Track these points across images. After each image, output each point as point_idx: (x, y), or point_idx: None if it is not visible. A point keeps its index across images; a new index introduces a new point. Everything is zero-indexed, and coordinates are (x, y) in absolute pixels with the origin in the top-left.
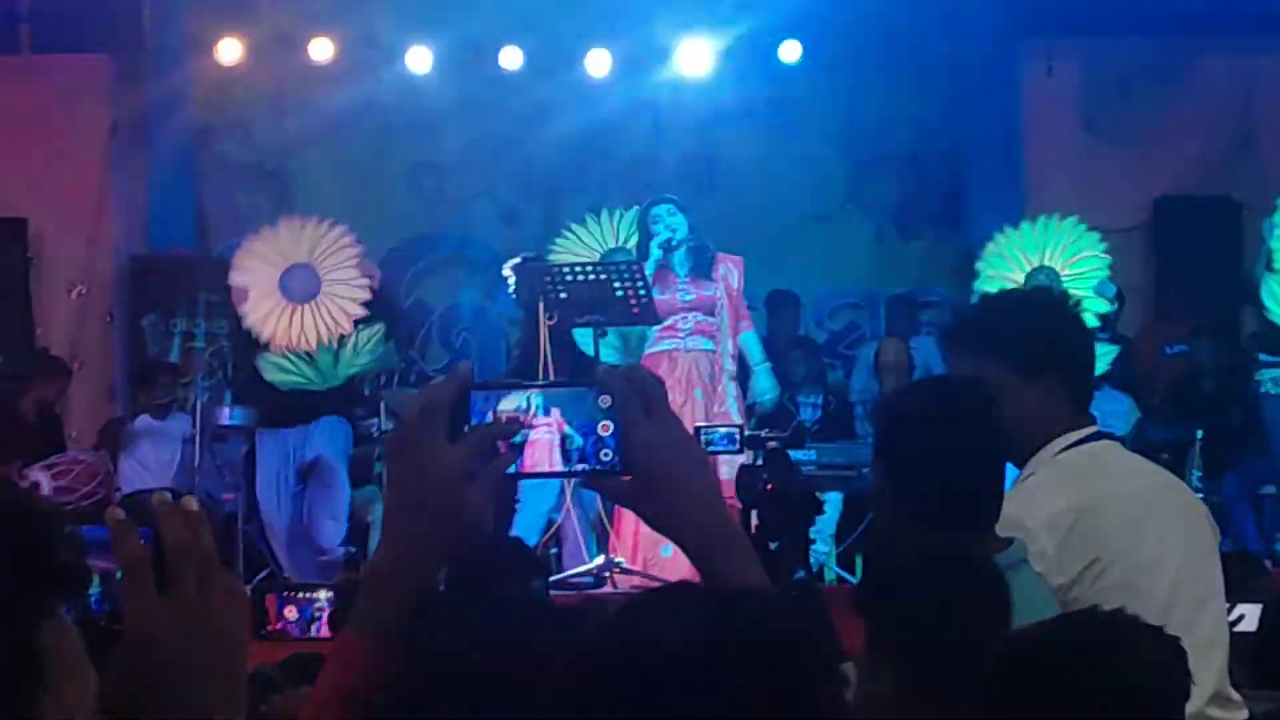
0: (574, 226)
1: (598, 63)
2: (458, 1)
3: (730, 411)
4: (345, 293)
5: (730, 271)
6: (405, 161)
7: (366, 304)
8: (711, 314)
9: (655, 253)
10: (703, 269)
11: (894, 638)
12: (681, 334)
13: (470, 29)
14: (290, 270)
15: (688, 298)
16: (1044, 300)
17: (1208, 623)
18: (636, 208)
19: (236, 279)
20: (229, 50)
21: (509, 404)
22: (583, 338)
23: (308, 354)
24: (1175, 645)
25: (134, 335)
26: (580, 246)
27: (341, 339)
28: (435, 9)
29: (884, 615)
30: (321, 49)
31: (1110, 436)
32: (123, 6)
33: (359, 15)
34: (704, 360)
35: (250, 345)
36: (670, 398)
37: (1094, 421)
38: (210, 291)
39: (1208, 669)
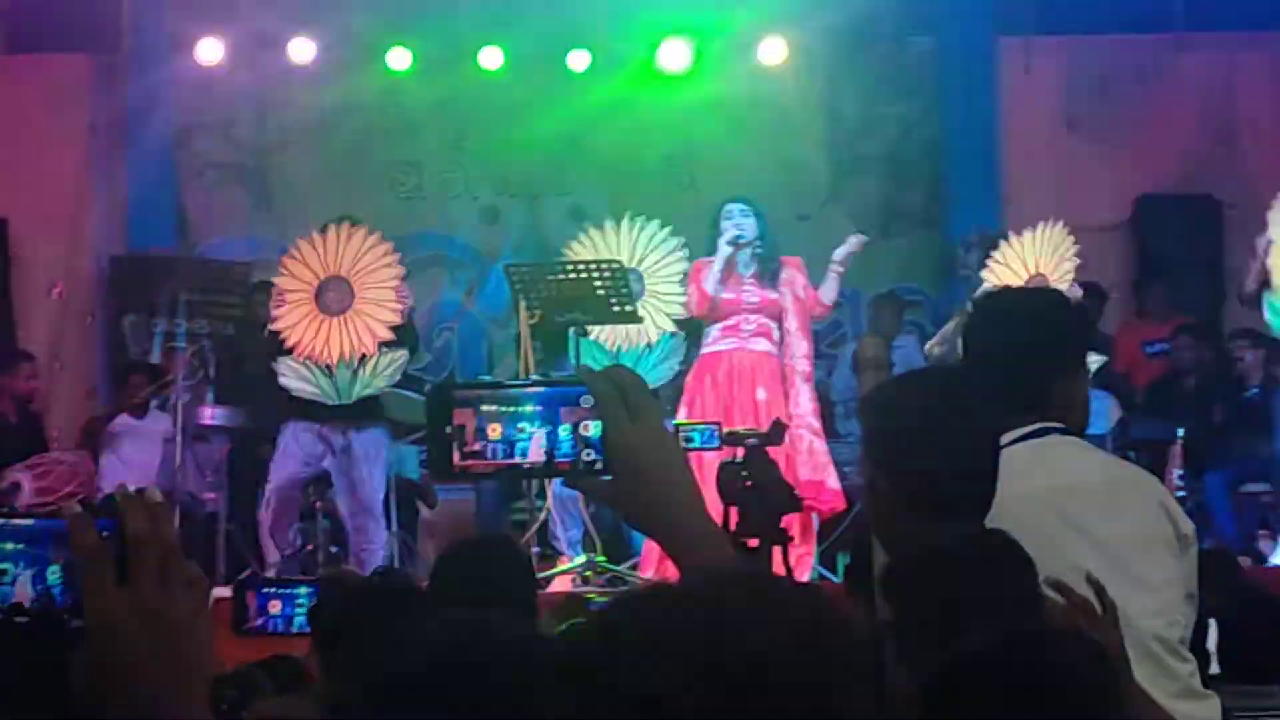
0: (593, 230)
1: (577, 62)
2: (438, 1)
3: (806, 414)
4: (377, 314)
5: (794, 276)
6: (386, 161)
7: (395, 328)
8: (775, 318)
9: (725, 249)
10: (767, 276)
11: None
12: (744, 334)
13: (450, 28)
14: (328, 282)
15: (753, 300)
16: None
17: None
18: (642, 217)
19: (280, 281)
20: (209, 50)
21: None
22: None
23: (327, 366)
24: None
25: (114, 335)
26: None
27: (363, 359)
28: (415, 9)
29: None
30: (302, 49)
31: (1066, 431)
32: (102, 6)
33: (339, 15)
34: (766, 361)
35: (274, 348)
36: (733, 394)
37: (1046, 418)
38: (191, 291)
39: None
